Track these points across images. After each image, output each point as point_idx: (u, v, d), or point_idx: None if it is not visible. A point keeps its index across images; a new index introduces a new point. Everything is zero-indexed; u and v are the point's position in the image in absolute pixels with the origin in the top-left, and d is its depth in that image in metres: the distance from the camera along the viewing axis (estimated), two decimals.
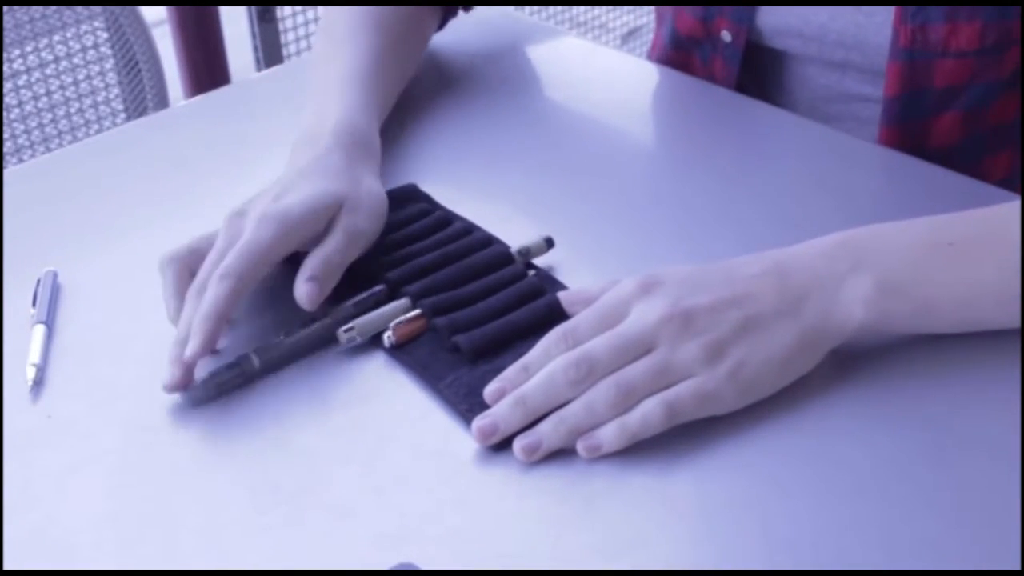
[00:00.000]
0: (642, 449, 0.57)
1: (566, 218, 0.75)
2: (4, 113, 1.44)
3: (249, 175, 0.80)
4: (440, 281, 0.67)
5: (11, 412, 0.61)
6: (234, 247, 0.64)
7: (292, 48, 1.82)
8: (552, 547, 0.52)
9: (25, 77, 1.46)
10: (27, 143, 1.49)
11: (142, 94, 1.55)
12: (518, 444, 0.57)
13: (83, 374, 0.64)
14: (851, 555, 0.51)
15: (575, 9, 2.33)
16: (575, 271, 0.70)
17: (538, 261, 0.70)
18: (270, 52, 1.78)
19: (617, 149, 0.85)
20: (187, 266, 0.66)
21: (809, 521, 0.53)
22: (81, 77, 1.51)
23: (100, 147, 0.91)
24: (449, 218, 0.73)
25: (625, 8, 2.42)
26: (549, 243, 0.71)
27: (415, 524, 0.54)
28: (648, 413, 0.57)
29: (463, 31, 0.97)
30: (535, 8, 2.22)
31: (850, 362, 0.61)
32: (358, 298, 0.66)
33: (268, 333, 0.65)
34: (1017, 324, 0.61)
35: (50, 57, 1.47)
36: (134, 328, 0.67)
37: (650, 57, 1.05)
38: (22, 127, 1.48)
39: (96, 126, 1.54)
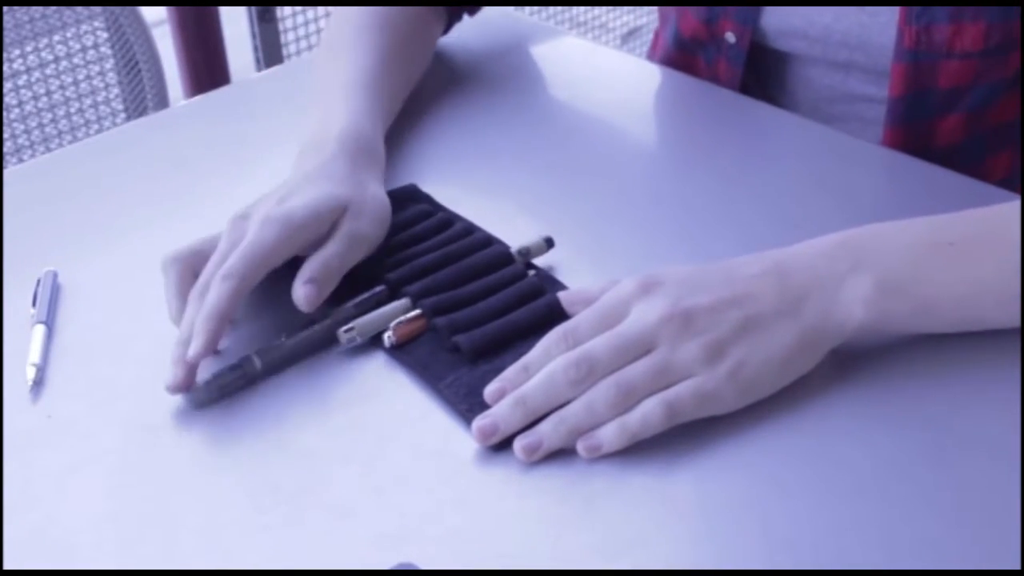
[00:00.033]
0: (642, 449, 0.57)
1: (566, 218, 0.75)
2: (4, 113, 1.44)
3: (249, 175, 0.81)
4: (440, 281, 0.67)
5: (11, 412, 0.61)
6: (237, 248, 0.64)
7: (292, 48, 1.82)
8: (552, 547, 0.52)
9: (25, 77, 1.46)
10: (27, 143, 1.49)
11: (142, 94, 1.55)
12: (518, 444, 0.57)
13: (83, 374, 0.64)
14: (851, 555, 0.51)
15: (575, 9, 2.33)
16: (575, 271, 0.70)
17: (538, 261, 0.70)
18: (270, 52, 1.78)
19: (618, 149, 0.85)
20: (189, 267, 0.66)
21: (809, 521, 0.53)
22: (81, 77, 1.51)
23: (100, 147, 0.91)
24: (449, 219, 0.73)
25: (625, 8, 2.42)
26: (549, 243, 0.71)
27: (415, 524, 0.54)
28: (648, 413, 0.57)
29: (463, 31, 0.97)
30: (535, 8, 2.22)
31: (850, 362, 0.61)
32: (358, 299, 0.66)
33: (269, 335, 0.65)
34: (1017, 324, 0.61)
35: (50, 57, 1.47)
36: (134, 328, 0.67)
37: (652, 58, 1.05)
38: (22, 127, 1.48)
39: (96, 126, 1.54)
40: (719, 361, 0.58)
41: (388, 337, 0.64)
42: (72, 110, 1.51)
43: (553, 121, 0.89)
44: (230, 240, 0.65)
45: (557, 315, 0.64)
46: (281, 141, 0.77)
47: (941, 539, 0.52)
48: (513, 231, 0.72)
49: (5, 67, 1.43)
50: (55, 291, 0.70)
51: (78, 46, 1.49)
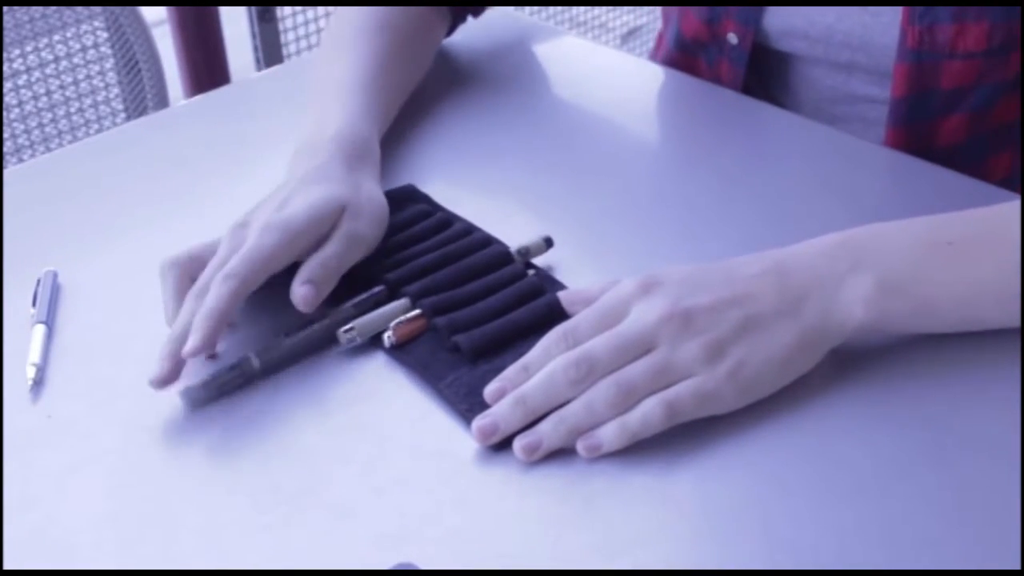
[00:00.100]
0: (642, 449, 0.57)
1: (566, 218, 0.75)
2: (4, 113, 1.44)
3: (249, 175, 0.81)
4: (440, 281, 0.67)
5: (11, 412, 0.61)
6: (238, 252, 0.64)
7: (292, 48, 1.82)
8: (552, 547, 0.52)
9: (25, 77, 1.46)
10: (27, 143, 1.49)
11: (142, 94, 1.55)
12: (518, 444, 0.57)
13: (83, 374, 0.64)
14: (851, 555, 0.51)
15: (575, 9, 2.33)
16: (575, 271, 0.70)
17: (537, 261, 0.70)
18: (270, 52, 1.78)
19: (618, 149, 0.85)
20: (187, 272, 0.66)
21: (809, 521, 0.53)
22: (81, 77, 1.51)
23: (100, 147, 0.91)
24: (448, 219, 0.73)
25: (625, 8, 2.42)
26: (548, 243, 0.71)
27: (415, 524, 0.54)
28: (648, 413, 0.57)
29: (463, 30, 0.97)
30: (535, 8, 2.22)
31: (850, 362, 0.61)
32: (358, 299, 0.66)
33: (268, 336, 0.65)
34: (1017, 324, 0.61)
35: (50, 57, 1.47)
36: (134, 328, 0.67)
37: (654, 59, 1.04)
38: (22, 127, 1.48)
39: (96, 126, 1.54)
40: (719, 361, 0.58)
41: (388, 337, 0.64)
42: (72, 110, 1.51)
43: (553, 121, 0.89)
44: (230, 247, 0.65)
45: (557, 315, 0.64)
46: (281, 141, 0.77)
47: (941, 539, 0.52)
48: (513, 231, 0.72)
49: (5, 67, 1.43)
50: (55, 291, 0.70)
51: (78, 46, 1.49)
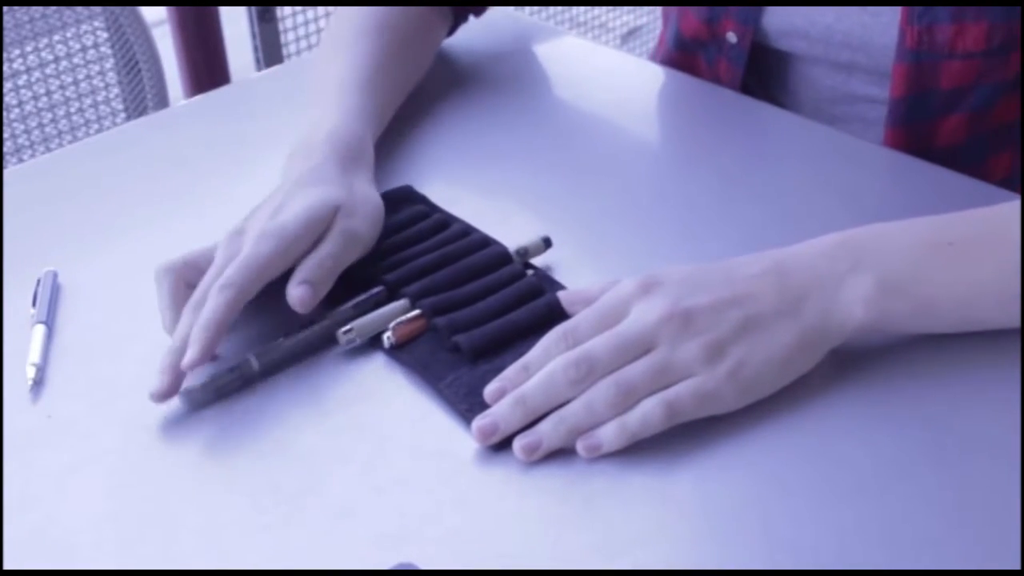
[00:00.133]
0: (642, 449, 0.57)
1: (565, 218, 0.75)
2: (4, 113, 1.44)
3: (249, 175, 0.81)
4: (439, 281, 0.67)
5: (11, 412, 0.61)
6: (234, 261, 0.64)
7: (292, 48, 1.82)
8: (552, 547, 0.52)
9: (25, 77, 1.46)
10: (27, 143, 1.49)
11: (142, 94, 1.55)
12: (518, 444, 0.57)
13: (83, 374, 0.64)
14: (851, 555, 0.51)
15: (575, 9, 2.33)
16: (574, 271, 0.70)
17: (536, 261, 0.70)
18: (270, 52, 1.78)
19: (617, 149, 0.85)
20: (182, 277, 0.66)
21: (809, 521, 0.53)
22: (81, 77, 1.51)
23: (100, 147, 0.91)
24: (446, 220, 0.73)
25: (625, 8, 2.42)
26: (547, 243, 0.71)
27: (415, 524, 0.54)
28: (648, 413, 0.57)
29: (463, 30, 0.97)
30: (535, 8, 2.22)
31: (850, 362, 0.61)
32: (357, 299, 0.66)
33: (268, 336, 0.65)
34: (1017, 324, 0.61)
35: (50, 57, 1.47)
36: (134, 328, 0.67)
37: (654, 59, 1.05)
38: (22, 127, 1.48)
39: (96, 126, 1.54)
40: (719, 361, 0.58)
41: (388, 338, 0.64)
42: (72, 110, 1.51)
43: (552, 121, 0.89)
44: (226, 255, 0.65)
45: (557, 315, 0.64)
46: (281, 141, 0.77)
47: (941, 539, 0.52)
48: (512, 231, 0.72)
49: (5, 67, 1.43)
50: (55, 291, 0.70)
51: (78, 46, 1.49)
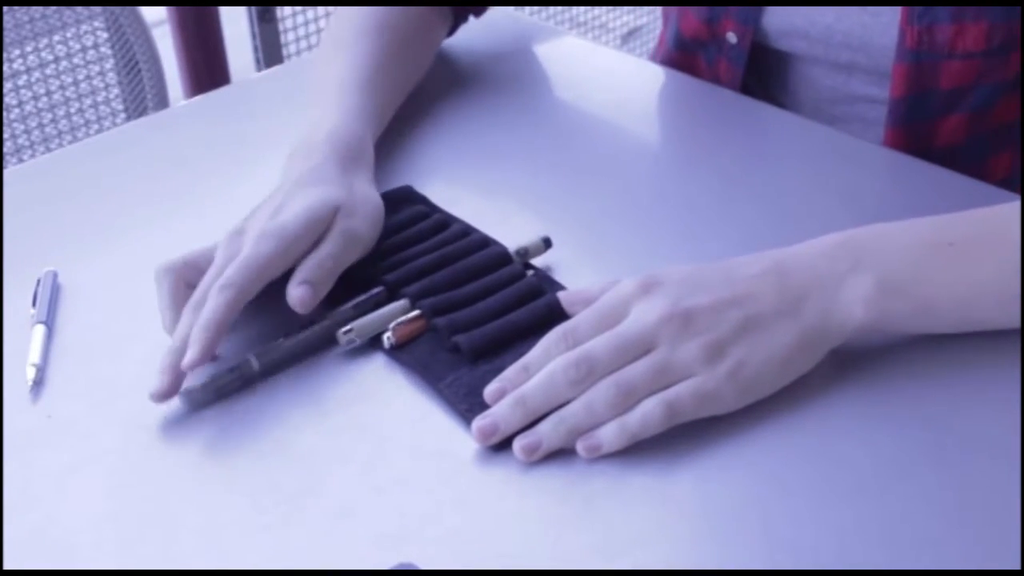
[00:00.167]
0: (642, 449, 0.57)
1: (565, 218, 0.75)
2: (4, 113, 1.44)
3: (249, 175, 0.81)
4: (439, 282, 0.67)
5: (11, 412, 0.61)
6: (234, 261, 0.64)
7: (292, 48, 1.82)
8: (552, 547, 0.52)
9: (25, 77, 1.46)
10: (27, 143, 1.49)
11: (142, 94, 1.55)
12: (518, 444, 0.57)
13: (83, 374, 0.64)
14: (851, 555, 0.51)
15: (575, 9, 2.33)
16: (574, 271, 0.70)
17: (536, 261, 0.70)
18: (270, 52, 1.78)
19: (618, 149, 0.85)
20: (182, 277, 0.66)
21: (809, 521, 0.53)
22: (81, 77, 1.51)
23: (100, 147, 0.91)
24: (446, 220, 0.73)
25: (625, 8, 2.42)
26: (547, 243, 0.71)
27: (415, 524, 0.54)
28: (648, 413, 0.57)
29: (462, 30, 0.97)
30: (535, 8, 2.22)
31: (850, 362, 0.61)
32: (357, 300, 0.66)
33: (268, 337, 0.65)
34: (1017, 324, 0.61)
35: (50, 57, 1.47)
36: (134, 328, 0.67)
37: (654, 59, 1.05)
38: (22, 127, 1.48)
39: (96, 126, 1.54)
40: (719, 361, 0.58)
41: (388, 338, 0.64)
42: (72, 110, 1.51)
43: (552, 121, 0.89)
44: (226, 256, 0.65)
45: (557, 315, 0.64)
46: (281, 141, 0.77)
47: (941, 539, 0.52)
48: (512, 231, 0.72)
49: (5, 67, 1.43)
50: (55, 291, 0.70)
51: (78, 46, 1.49)
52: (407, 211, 0.74)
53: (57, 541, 0.54)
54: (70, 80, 1.50)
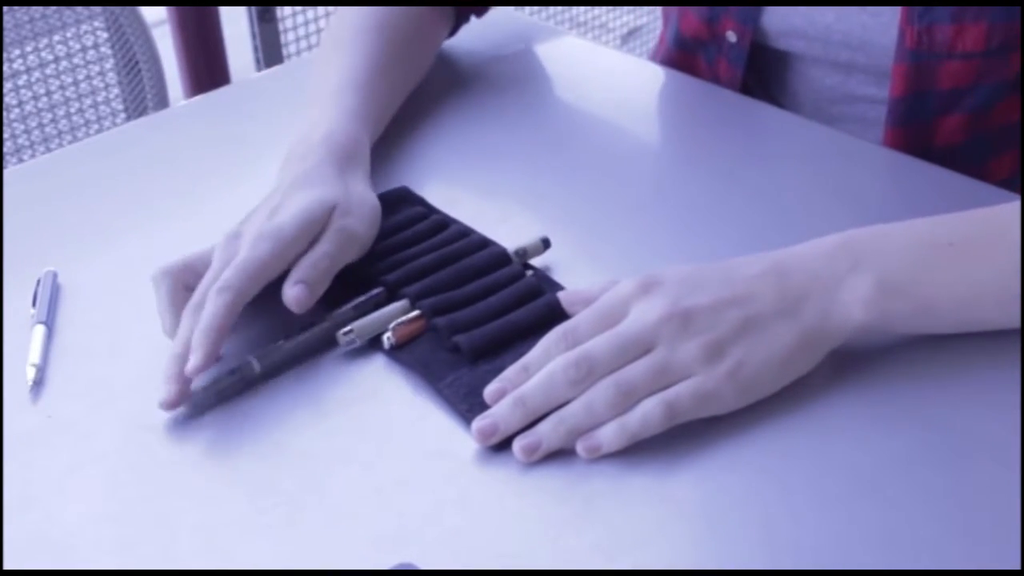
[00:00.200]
0: (642, 449, 0.57)
1: (565, 218, 0.75)
2: (4, 113, 1.44)
3: (249, 175, 0.81)
4: (439, 282, 0.67)
5: (11, 412, 0.61)
6: (231, 264, 0.64)
7: (292, 48, 1.82)
8: (552, 547, 0.52)
9: (25, 77, 1.46)
10: (27, 143, 1.49)
11: (142, 94, 1.55)
12: (517, 444, 0.57)
13: (83, 374, 0.64)
14: (851, 555, 0.51)
15: (575, 9, 2.33)
16: (573, 272, 0.70)
17: (535, 261, 0.70)
18: (270, 52, 1.78)
19: (618, 149, 0.85)
20: (180, 280, 0.65)
21: (809, 521, 0.53)
22: (81, 77, 1.51)
23: (100, 147, 0.91)
24: (444, 221, 0.73)
25: (625, 8, 2.42)
26: (546, 244, 0.71)
27: (415, 525, 0.54)
28: (648, 413, 0.57)
29: (463, 30, 0.97)
30: (535, 8, 2.22)
31: (850, 362, 0.61)
32: (357, 301, 0.66)
33: (268, 338, 0.65)
34: (1017, 324, 0.61)
35: (50, 57, 1.47)
36: (134, 328, 0.67)
37: (654, 58, 1.05)
38: (22, 127, 1.48)
39: (96, 126, 1.54)
40: (718, 361, 0.58)
41: (388, 338, 0.64)
42: (72, 110, 1.51)
43: (552, 121, 0.89)
44: (223, 258, 0.65)
45: (557, 315, 0.64)
46: (281, 141, 0.77)
47: (941, 539, 0.52)
48: (511, 231, 0.72)
49: (5, 67, 1.43)
50: (55, 291, 0.70)
51: (78, 46, 1.49)
52: (405, 212, 0.74)
53: (57, 541, 0.54)
54: (70, 80, 1.50)
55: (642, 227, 0.75)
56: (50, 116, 1.50)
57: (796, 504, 0.54)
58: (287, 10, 1.81)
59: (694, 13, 0.95)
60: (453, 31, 0.96)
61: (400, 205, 0.75)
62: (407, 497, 0.55)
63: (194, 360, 0.60)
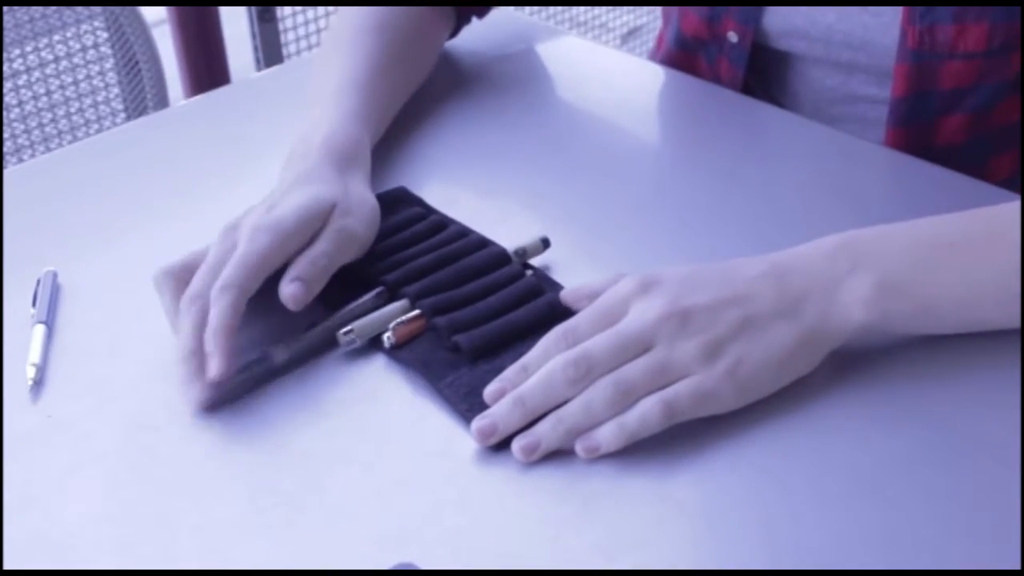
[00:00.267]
0: (641, 449, 0.57)
1: (565, 218, 0.75)
2: (4, 113, 1.44)
3: (249, 175, 0.81)
4: (439, 282, 0.67)
5: (11, 412, 0.61)
6: (231, 259, 0.64)
7: (292, 48, 1.82)
8: (552, 547, 0.52)
9: (25, 77, 1.46)
10: (27, 143, 1.49)
11: (142, 94, 1.55)
12: (517, 444, 0.57)
13: (83, 374, 0.64)
14: (851, 555, 0.51)
15: (575, 9, 2.33)
16: (572, 271, 0.70)
17: (535, 261, 0.70)
18: (270, 52, 1.78)
19: (617, 149, 0.85)
20: (181, 281, 0.65)
21: (809, 521, 0.53)
22: (81, 77, 1.51)
23: (100, 147, 0.91)
24: (443, 221, 0.73)
25: (625, 8, 2.42)
26: (545, 243, 0.71)
27: (415, 524, 0.54)
28: (646, 412, 0.57)
29: (463, 30, 0.97)
30: (535, 8, 2.22)
31: (850, 362, 0.61)
32: (357, 301, 0.66)
33: (267, 341, 0.65)
34: (1017, 324, 0.61)
35: (50, 57, 1.47)
36: (134, 328, 0.67)
37: (654, 58, 1.05)
38: (22, 127, 1.48)
39: (96, 126, 1.54)
40: (717, 360, 0.58)
41: (388, 338, 0.64)
42: (72, 110, 1.52)
43: (552, 121, 0.89)
44: (220, 251, 0.65)
45: (556, 315, 0.64)
46: (281, 141, 0.77)
47: (941, 539, 0.52)
48: (511, 231, 0.72)
49: (5, 67, 1.43)
50: (55, 291, 0.70)
51: (78, 46, 1.49)
52: (404, 212, 0.74)
53: (57, 541, 0.54)
54: (70, 80, 1.50)
55: (642, 227, 0.75)
56: (50, 116, 1.50)
57: (796, 504, 0.54)
58: (287, 10, 1.81)
59: (695, 13, 0.95)
60: (455, 32, 0.96)
61: (398, 205, 0.75)
62: (407, 497, 0.55)
63: (215, 366, 0.59)
